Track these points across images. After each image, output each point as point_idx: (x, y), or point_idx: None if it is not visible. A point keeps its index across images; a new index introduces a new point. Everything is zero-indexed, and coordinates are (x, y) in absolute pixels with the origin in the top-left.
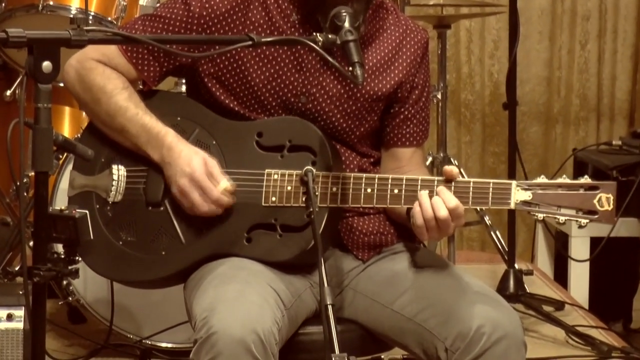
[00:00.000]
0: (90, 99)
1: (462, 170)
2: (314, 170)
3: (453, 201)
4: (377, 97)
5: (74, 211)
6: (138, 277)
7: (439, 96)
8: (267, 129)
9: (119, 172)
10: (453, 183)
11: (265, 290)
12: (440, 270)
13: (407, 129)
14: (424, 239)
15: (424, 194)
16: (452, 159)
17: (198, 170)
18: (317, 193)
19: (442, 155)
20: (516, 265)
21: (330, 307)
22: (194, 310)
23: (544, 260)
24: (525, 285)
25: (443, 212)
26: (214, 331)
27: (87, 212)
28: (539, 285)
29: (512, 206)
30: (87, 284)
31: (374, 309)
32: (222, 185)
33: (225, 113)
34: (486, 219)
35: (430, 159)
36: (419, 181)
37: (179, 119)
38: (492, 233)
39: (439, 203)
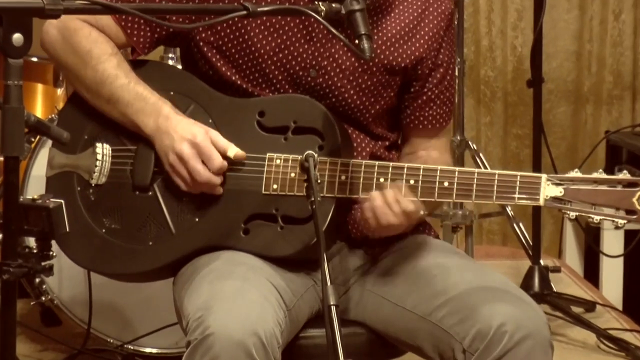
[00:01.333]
0: (73, 63)
1: (481, 155)
2: (316, 155)
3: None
4: (394, 71)
5: (47, 201)
6: (121, 269)
7: (456, 72)
8: (270, 108)
9: (103, 150)
10: (476, 174)
11: (266, 287)
12: (458, 264)
13: (430, 111)
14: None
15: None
16: (470, 143)
17: (200, 136)
18: (319, 181)
19: (459, 138)
20: (542, 262)
21: (333, 308)
22: (186, 308)
23: (572, 256)
24: (552, 284)
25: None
26: (211, 332)
27: (62, 201)
28: (567, 283)
29: (541, 203)
30: (63, 282)
31: (384, 308)
32: (232, 150)
33: (225, 87)
34: (508, 209)
35: None
36: (438, 172)
37: (172, 93)
38: (514, 225)
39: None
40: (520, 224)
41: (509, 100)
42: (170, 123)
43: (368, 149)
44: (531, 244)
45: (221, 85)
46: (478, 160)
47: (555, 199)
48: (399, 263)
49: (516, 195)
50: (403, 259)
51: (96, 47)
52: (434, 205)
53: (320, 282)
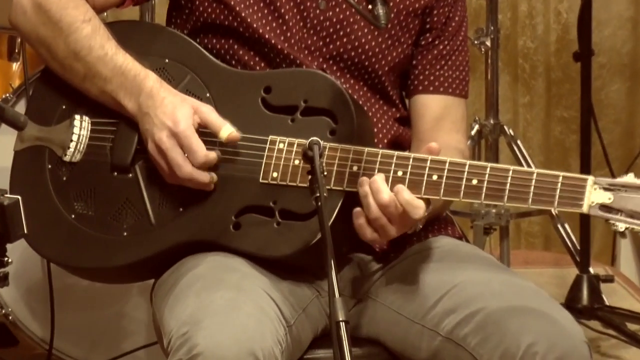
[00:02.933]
0: (44, 37)
1: (519, 142)
2: (322, 143)
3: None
4: (415, 11)
5: (1, 197)
6: (90, 262)
7: (488, 43)
8: (277, 83)
9: (82, 123)
10: (511, 172)
11: (262, 299)
12: (486, 273)
13: (441, 70)
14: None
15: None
16: (505, 127)
17: (183, 123)
18: (325, 173)
19: (492, 122)
20: (591, 270)
21: (343, 325)
22: (168, 324)
23: (628, 263)
24: (604, 296)
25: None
26: (199, 351)
27: (19, 197)
28: (622, 295)
29: (585, 210)
30: (20, 293)
31: (400, 325)
32: (224, 130)
33: (220, 26)
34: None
35: (476, 127)
36: (467, 167)
37: (166, 61)
38: (559, 226)
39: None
40: (566, 225)
41: (552, 77)
42: (153, 102)
43: (381, 112)
44: (579, 248)
45: (214, 25)
46: (515, 148)
47: (602, 206)
48: (417, 271)
49: (556, 200)
50: (421, 266)
51: (66, 14)
52: (440, 208)
53: (326, 294)
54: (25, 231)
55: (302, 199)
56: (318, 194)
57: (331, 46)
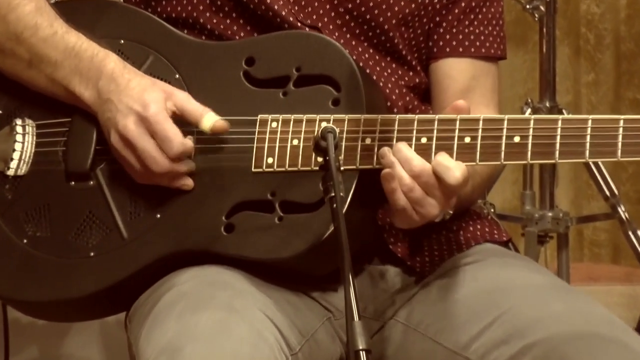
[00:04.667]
0: None
1: None
2: (337, 130)
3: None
4: None
5: None
6: (50, 294)
7: (543, 8)
8: (261, 52)
9: (24, 128)
10: (560, 122)
11: (259, 321)
12: (543, 292)
13: (471, 26)
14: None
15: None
16: (564, 111)
17: (153, 106)
18: (342, 168)
19: (548, 105)
20: None
21: (363, 355)
22: (144, 352)
23: None
24: None
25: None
26: None
27: None
28: None
29: None
30: None
31: (437, 356)
32: (207, 119)
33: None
34: (621, 209)
35: (528, 111)
36: (505, 122)
37: (121, 42)
38: (630, 234)
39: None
40: (639, 232)
41: (622, 50)
42: (116, 86)
43: (393, 80)
44: None
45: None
46: None
47: None
48: (458, 289)
49: (619, 148)
50: (463, 283)
51: None
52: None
53: (340, 315)
54: None
55: (306, 186)
56: (333, 194)
57: None
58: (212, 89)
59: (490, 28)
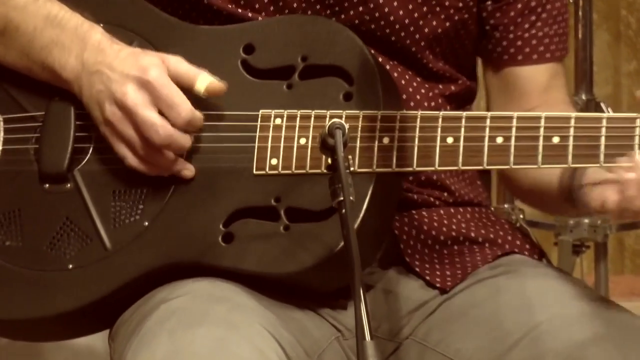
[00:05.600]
0: None
1: None
2: (347, 126)
3: None
4: None
5: None
6: (23, 312)
7: None
8: (261, 39)
9: None
10: (605, 121)
11: (261, 338)
12: (578, 307)
13: (532, 29)
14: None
15: None
16: (602, 105)
17: (154, 69)
18: (352, 168)
19: (584, 97)
20: None
21: None
22: None
23: None
24: None
25: None
26: None
27: None
28: None
29: None
30: None
31: None
32: (202, 80)
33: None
34: None
35: None
36: (542, 120)
37: (102, 25)
38: None
39: None
40: None
41: None
42: (104, 56)
43: (423, 91)
44: None
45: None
46: None
47: None
48: (482, 303)
49: None
50: (488, 297)
51: None
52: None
53: (350, 334)
54: None
55: (315, 191)
56: (342, 198)
57: (343, 16)
58: None
59: (556, 27)
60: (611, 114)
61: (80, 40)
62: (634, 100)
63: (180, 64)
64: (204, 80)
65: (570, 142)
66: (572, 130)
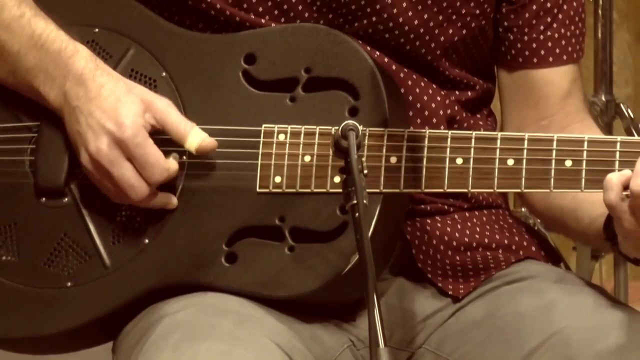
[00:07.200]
0: None
1: None
2: (360, 127)
3: None
4: None
5: None
6: (22, 331)
7: None
8: (263, 49)
9: None
10: (619, 144)
11: (269, 352)
12: (598, 314)
13: (548, 30)
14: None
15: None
16: (622, 106)
17: (130, 127)
18: (365, 171)
19: (604, 99)
20: None
21: None
22: None
23: None
24: None
25: None
26: None
27: None
28: None
29: None
30: None
31: None
32: (193, 137)
33: (188, 9)
34: None
35: None
36: (554, 143)
37: (96, 30)
38: None
39: None
40: None
41: None
42: (85, 92)
43: (438, 104)
44: None
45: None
46: (635, 134)
47: None
48: (499, 312)
49: None
50: (503, 304)
51: None
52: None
53: (362, 343)
54: None
55: (321, 210)
56: (355, 201)
57: (356, 24)
58: (206, 91)
59: (572, 27)
60: (625, 137)
61: (63, 67)
62: None
63: (168, 113)
64: (195, 139)
65: (584, 166)
66: (585, 154)
